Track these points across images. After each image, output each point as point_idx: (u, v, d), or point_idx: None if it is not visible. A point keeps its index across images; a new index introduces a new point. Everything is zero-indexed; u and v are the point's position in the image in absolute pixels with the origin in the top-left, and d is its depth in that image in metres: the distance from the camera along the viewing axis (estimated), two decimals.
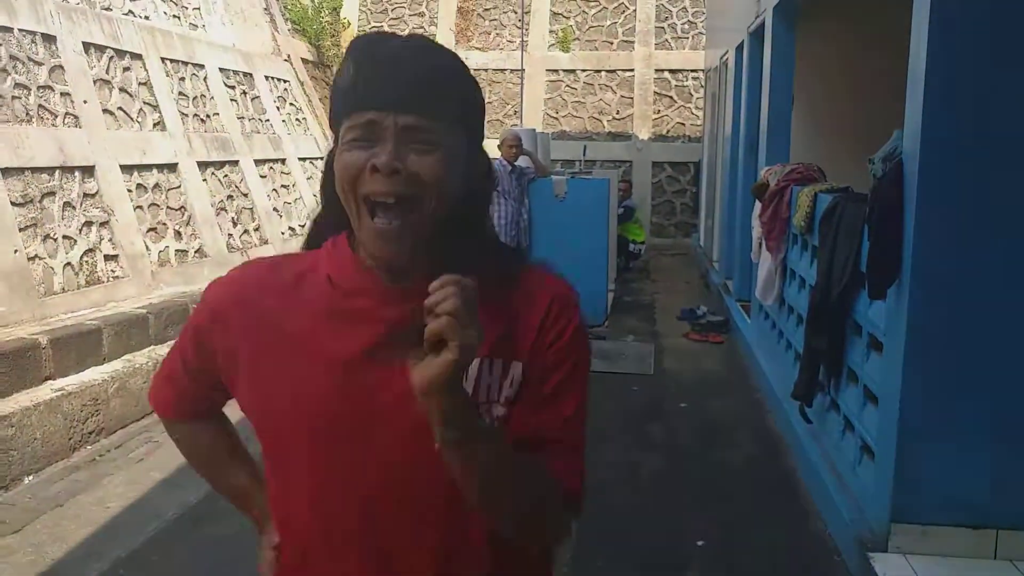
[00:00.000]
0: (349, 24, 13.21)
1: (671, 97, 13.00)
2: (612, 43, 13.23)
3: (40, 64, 5.80)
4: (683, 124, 12.93)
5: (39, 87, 5.71)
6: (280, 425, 1.02)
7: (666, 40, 13.08)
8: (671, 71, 12.99)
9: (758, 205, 5.20)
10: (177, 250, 6.59)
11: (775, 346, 5.18)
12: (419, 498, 0.99)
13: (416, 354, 0.84)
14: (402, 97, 0.91)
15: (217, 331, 1.05)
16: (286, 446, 1.02)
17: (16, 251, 4.91)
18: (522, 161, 7.01)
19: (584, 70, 13.21)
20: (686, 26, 13.05)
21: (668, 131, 12.97)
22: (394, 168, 0.90)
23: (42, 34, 5.91)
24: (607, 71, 13.14)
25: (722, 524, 3.51)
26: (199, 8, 8.72)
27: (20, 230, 5.03)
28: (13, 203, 5.05)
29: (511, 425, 0.99)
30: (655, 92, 13.02)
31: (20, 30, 5.70)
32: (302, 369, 0.99)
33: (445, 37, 13.36)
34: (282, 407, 1.01)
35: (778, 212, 4.83)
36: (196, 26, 8.55)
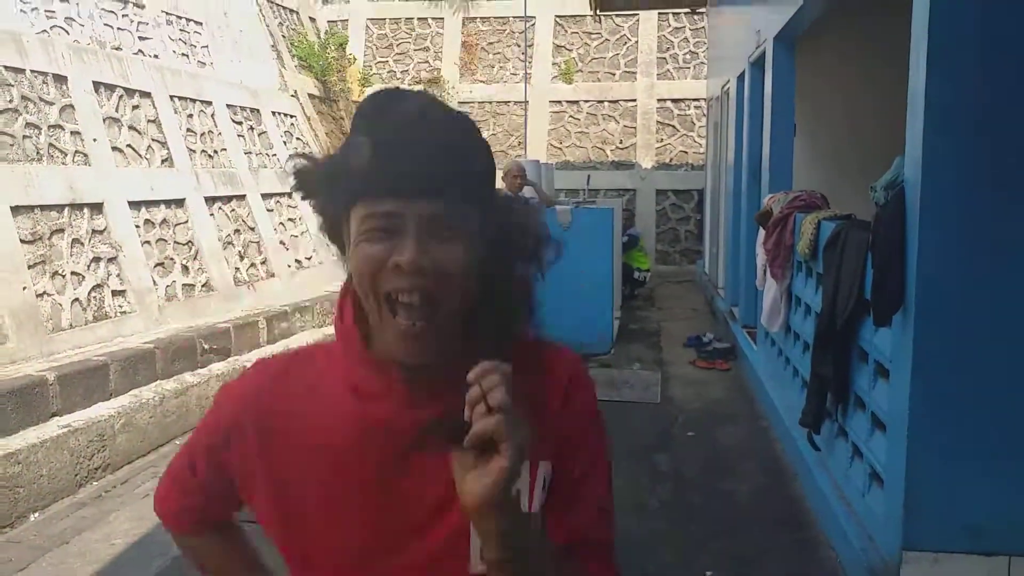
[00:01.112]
0: (355, 60, 13.39)
1: (674, 126, 13.10)
2: (614, 74, 13.37)
3: (51, 104, 5.90)
4: (686, 152, 13.00)
5: (50, 126, 5.81)
6: (309, 545, 0.96)
7: (668, 70, 13.21)
8: (673, 100, 13.09)
9: (762, 232, 5.21)
10: (184, 284, 6.63)
11: (782, 373, 5.15)
12: None
13: (460, 456, 0.75)
14: (424, 185, 0.83)
15: (234, 447, 0.98)
16: (315, 565, 0.96)
17: (25, 288, 4.95)
18: (526, 192, 7.07)
19: (587, 101, 13.33)
20: (688, 56, 13.19)
21: (671, 159, 13.04)
22: (419, 266, 0.83)
23: (53, 74, 6.02)
24: (610, 101, 13.26)
25: (732, 554, 3.47)
26: (207, 46, 8.87)
27: (29, 267, 5.08)
28: (22, 240, 5.11)
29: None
30: (658, 121, 13.12)
31: (32, 71, 5.81)
32: (331, 487, 0.93)
33: (450, 71, 13.53)
34: (311, 527, 0.94)
35: (782, 239, 4.84)
36: (204, 63, 8.69)
